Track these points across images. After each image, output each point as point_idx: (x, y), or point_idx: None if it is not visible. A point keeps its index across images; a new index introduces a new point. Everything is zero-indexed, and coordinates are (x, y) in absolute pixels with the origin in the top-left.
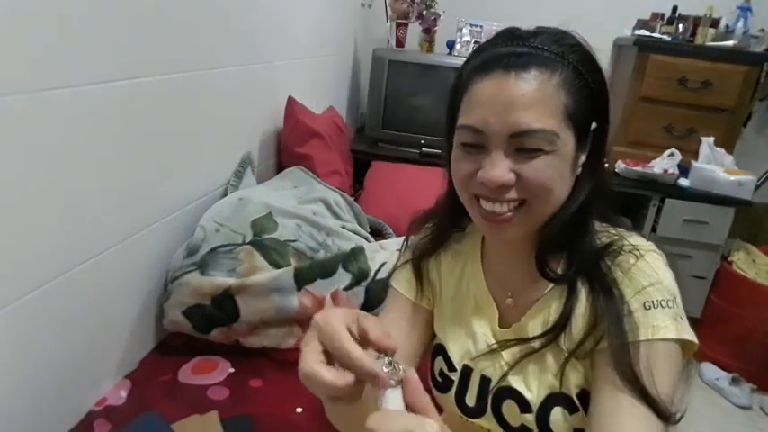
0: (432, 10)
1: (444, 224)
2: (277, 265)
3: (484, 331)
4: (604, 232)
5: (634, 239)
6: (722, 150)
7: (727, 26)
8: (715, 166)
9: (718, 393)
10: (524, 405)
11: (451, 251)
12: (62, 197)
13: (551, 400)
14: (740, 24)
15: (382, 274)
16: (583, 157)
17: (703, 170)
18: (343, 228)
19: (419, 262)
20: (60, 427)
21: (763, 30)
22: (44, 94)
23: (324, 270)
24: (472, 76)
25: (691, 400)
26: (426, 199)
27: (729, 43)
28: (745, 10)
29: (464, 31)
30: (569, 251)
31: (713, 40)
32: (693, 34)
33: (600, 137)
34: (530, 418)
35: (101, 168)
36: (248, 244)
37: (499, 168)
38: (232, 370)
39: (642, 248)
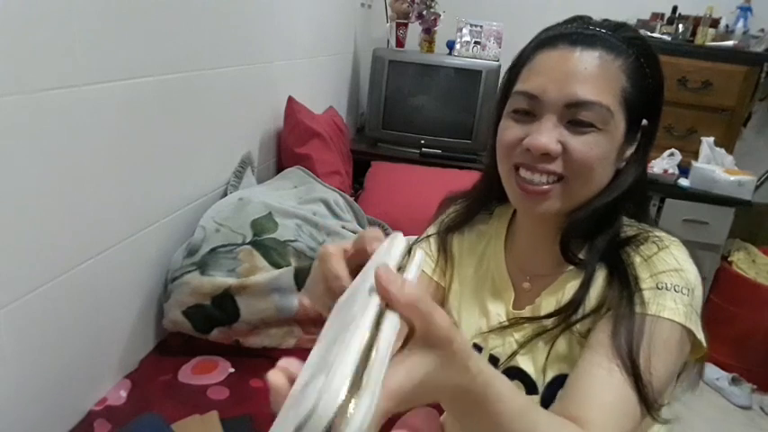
0: (432, 10)
1: (476, 201)
2: (277, 265)
3: (498, 311)
4: (631, 226)
5: (660, 232)
6: (722, 150)
7: (727, 26)
8: (715, 166)
9: (719, 393)
10: (531, 387)
11: (476, 231)
12: (62, 197)
13: (558, 382)
14: (740, 24)
15: None
16: (629, 152)
17: (703, 170)
18: (344, 228)
19: (445, 235)
20: (60, 427)
21: (763, 30)
22: (44, 94)
23: None
24: (536, 50)
25: (690, 400)
26: (426, 199)
27: (729, 43)
28: (745, 10)
29: (464, 31)
30: (594, 239)
31: (713, 40)
32: (693, 34)
33: (648, 136)
34: (535, 400)
35: (101, 168)
36: (248, 244)
37: (547, 136)
38: (232, 370)
39: (667, 240)
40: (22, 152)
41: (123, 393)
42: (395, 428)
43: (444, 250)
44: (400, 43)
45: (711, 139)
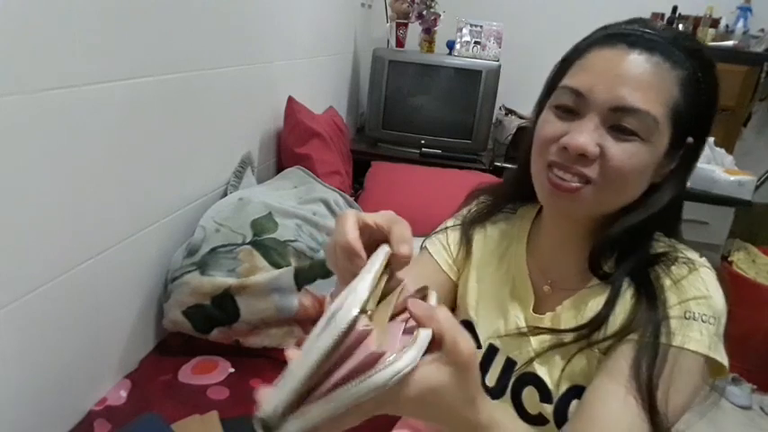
0: (432, 10)
1: (503, 196)
2: (277, 265)
3: (517, 314)
4: (661, 242)
5: (690, 254)
6: (722, 150)
7: (727, 26)
8: (715, 166)
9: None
10: (545, 394)
11: (499, 230)
12: (62, 197)
13: (572, 394)
14: (740, 24)
15: None
16: (668, 168)
17: (703, 170)
18: None
19: (468, 228)
20: (60, 426)
21: (763, 30)
22: (44, 94)
23: (324, 270)
24: (592, 45)
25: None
26: (426, 199)
27: (729, 43)
28: (745, 10)
29: (464, 31)
30: (623, 253)
31: (713, 40)
32: (693, 34)
33: (692, 155)
34: (548, 409)
35: (101, 168)
36: (248, 244)
37: (586, 136)
38: (232, 370)
39: (697, 263)
40: (22, 152)
41: (123, 393)
42: (395, 428)
43: (466, 243)
44: (400, 43)
45: (711, 139)
